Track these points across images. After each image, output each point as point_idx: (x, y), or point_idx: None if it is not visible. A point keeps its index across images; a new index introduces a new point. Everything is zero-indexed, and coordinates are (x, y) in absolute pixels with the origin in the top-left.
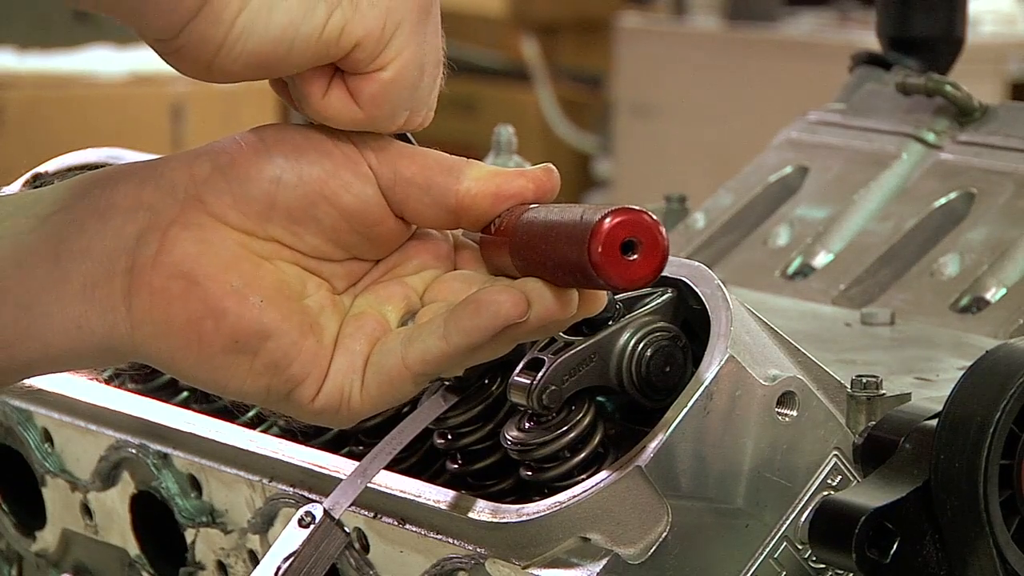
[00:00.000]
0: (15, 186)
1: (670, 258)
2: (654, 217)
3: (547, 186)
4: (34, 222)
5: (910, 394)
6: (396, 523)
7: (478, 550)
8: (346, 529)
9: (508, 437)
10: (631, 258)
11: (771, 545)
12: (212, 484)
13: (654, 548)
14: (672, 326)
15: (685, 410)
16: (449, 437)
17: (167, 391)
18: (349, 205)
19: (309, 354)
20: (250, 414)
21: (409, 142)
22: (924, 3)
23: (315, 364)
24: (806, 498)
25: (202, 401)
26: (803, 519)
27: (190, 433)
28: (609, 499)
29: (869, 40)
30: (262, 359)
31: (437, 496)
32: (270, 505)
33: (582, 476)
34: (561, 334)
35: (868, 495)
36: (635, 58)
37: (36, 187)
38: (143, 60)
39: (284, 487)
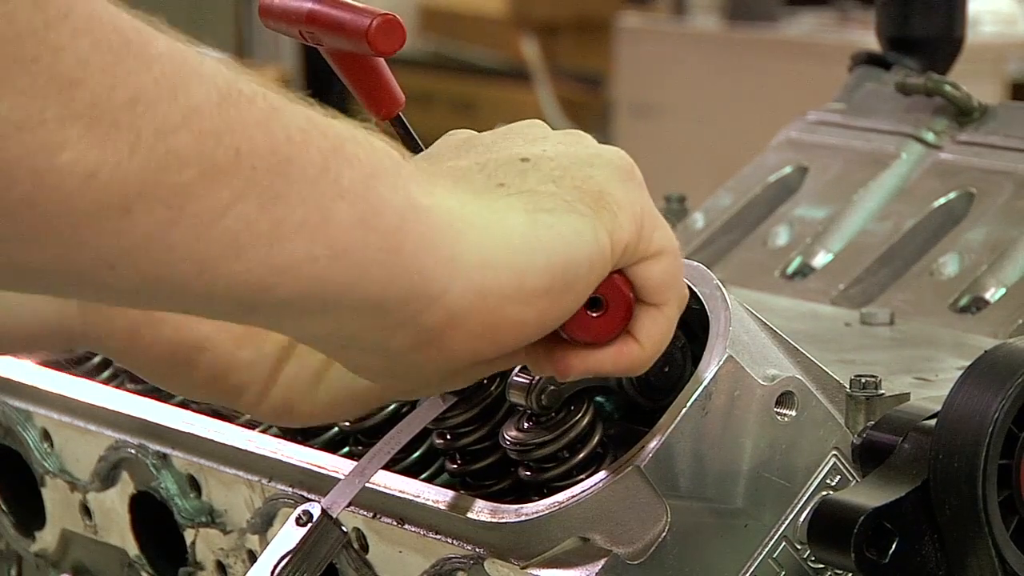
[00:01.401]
0: None
1: None
2: (625, 275)
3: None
4: None
5: (909, 394)
6: (395, 523)
7: (477, 550)
8: (344, 528)
9: (507, 437)
10: (594, 315)
11: (770, 545)
12: (211, 484)
13: (653, 548)
14: None
15: (684, 410)
16: (448, 437)
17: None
18: None
19: (245, 364)
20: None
21: (414, 140)
22: (924, 3)
23: (255, 373)
24: (805, 498)
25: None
26: (802, 519)
27: (189, 433)
28: (608, 499)
29: (869, 40)
30: (201, 371)
31: (436, 496)
32: (269, 505)
33: (581, 476)
34: None
35: (867, 495)
36: (635, 58)
37: None
38: None
39: (283, 487)
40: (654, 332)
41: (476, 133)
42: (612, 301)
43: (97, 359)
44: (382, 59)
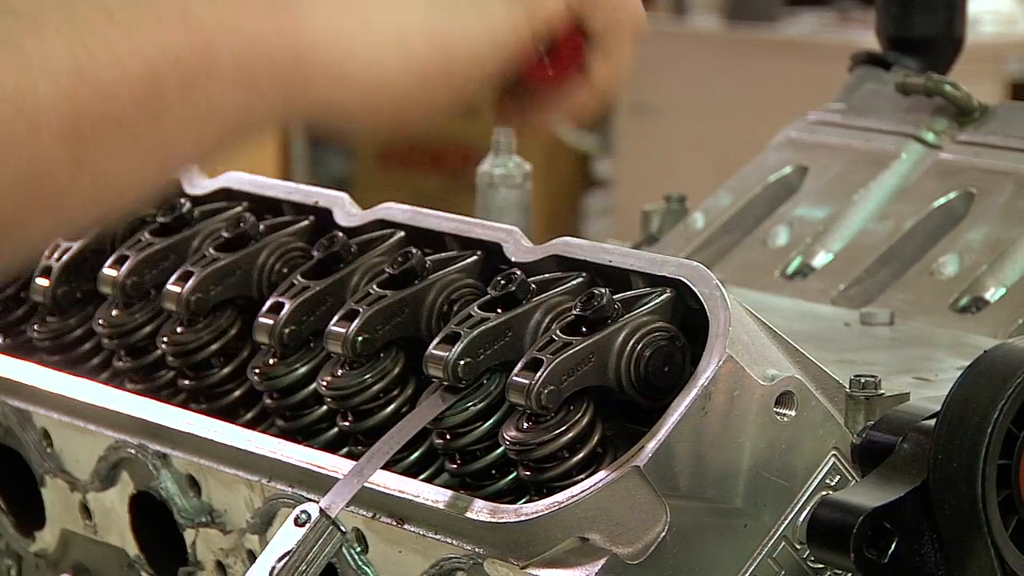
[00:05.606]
0: None
1: (669, 258)
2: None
3: None
4: None
5: (908, 394)
6: (395, 523)
7: (477, 550)
8: (342, 528)
9: (507, 437)
10: (547, 60)
11: (769, 545)
12: (211, 484)
13: (652, 548)
14: (670, 326)
15: (683, 410)
16: (448, 437)
17: (167, 391)
18: None
19: None
20: (249, 415)
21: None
22: (924, 3)
23: None
24: (804, 498)
25: (201, 401)
26: (801, 519)
27: (189, 433)
28: (607, 499)
29: (869, 40)
30: None
31: (436, 496)
32: (269, 505)
33: (581, 476)
34: (559, 334)
35: (866, 495)
36: (635, 58)
37: None
38: None
39: (283, 487)
40: (606, 68)
41: None
42: (561, 46)
43: (97, 359)
44: None
